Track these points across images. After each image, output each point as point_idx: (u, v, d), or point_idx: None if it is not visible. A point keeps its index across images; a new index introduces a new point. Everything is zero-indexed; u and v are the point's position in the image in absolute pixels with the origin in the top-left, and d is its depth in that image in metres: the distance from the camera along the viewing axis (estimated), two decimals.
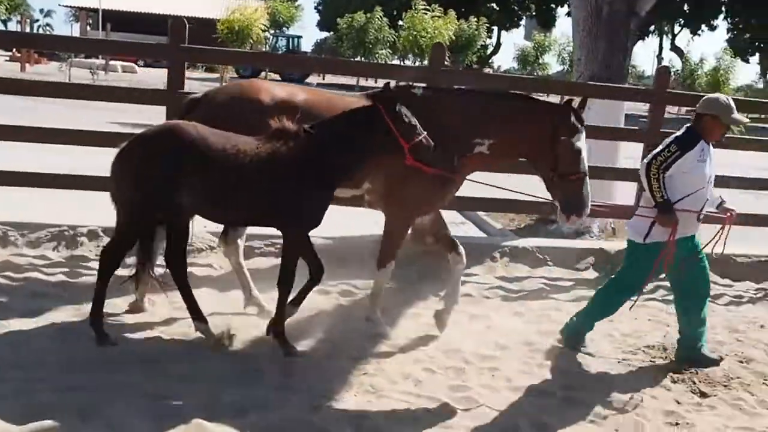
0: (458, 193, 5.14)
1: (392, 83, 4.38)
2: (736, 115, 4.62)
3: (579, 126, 4.43)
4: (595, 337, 5.11)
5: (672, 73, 11.72)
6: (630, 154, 8.76)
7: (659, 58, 57.85)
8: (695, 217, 4.62)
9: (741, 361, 5.07)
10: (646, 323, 5.71)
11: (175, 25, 6.12)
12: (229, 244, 5.13)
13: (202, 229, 5.92)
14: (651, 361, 4.98)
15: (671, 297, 5.16)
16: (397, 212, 4.86)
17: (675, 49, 51.98)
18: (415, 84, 5.19)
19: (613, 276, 5.16)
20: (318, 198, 4.23)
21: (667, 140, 4.64)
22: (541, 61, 45.55)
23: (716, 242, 4.67)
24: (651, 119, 7.56)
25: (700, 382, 4.68)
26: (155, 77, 28.66)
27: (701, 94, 5.76)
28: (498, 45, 54.00)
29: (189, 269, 4.62)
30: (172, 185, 4.05)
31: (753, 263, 7.31)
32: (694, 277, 4.77)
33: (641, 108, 25.29)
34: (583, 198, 4.48)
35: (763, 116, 21.28)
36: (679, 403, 4.40)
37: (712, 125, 4.59)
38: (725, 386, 4.67)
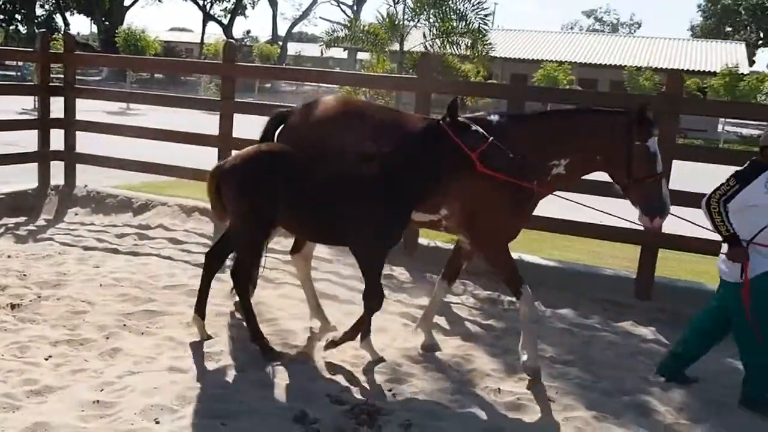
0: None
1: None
2: None
3: (651, 130, 4.41)
4: None
5: None
6: None
7: None
8: None
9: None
10: None
11: None
12: (299, 258, 5.22)
13: None
14: None
15: None
16: (489, 243, 4.74)
17: None
18: (489, 113, 4.91)
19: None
20: (395, 217, 4.34)
21: (729, 175, 4.46)
22: None
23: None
24: None
25: None
26: None
27: None
28: None
29: None
30: (271, 203, 4.33)
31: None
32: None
33: None
34: (663, 198, 4.46)
35: None
36: None
37: None
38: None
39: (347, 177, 4.35)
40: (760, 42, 67.30)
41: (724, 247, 4.49)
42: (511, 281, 4.70)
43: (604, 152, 4.51)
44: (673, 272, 7.00)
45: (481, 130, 4.15)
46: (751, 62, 53.04)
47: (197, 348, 4.74)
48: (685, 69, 36.09)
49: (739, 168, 4.48)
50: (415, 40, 13.11)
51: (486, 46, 12.73)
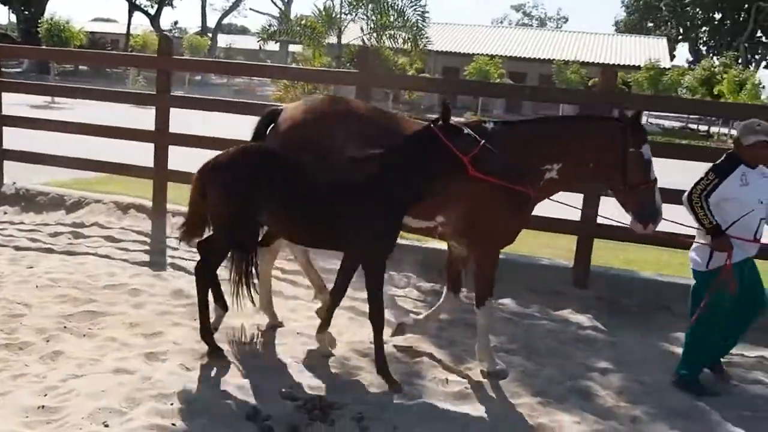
0: None
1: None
2: (757, 136, 4.47)
3: (644, 136, 4.42)
4: None
5: None
6: None
7: None
8: (750, 239, 4.55)
9: None
10: None
11: None
12: (265, 252, 5.12)
13: None
14: None
15: None
16: (484, 248, 4.72)
17: None
18: (485, 120, 4.88)
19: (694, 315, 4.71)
20: (388, 222, 4.28)
21: (707, 168, 4.59)
22: None
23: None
24: None
25: None
26: None
27: None
28: None
29: None
30: (253, 205, 4.25)
31: None
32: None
33: None
34: (656, 205, 4.44)
35: None
36: None
37: (751, 151, 4.51)
38: None
39: (336, 177, 4.26)
40: (680, 37, 69.96)
41: (699, 238, 4.68)
42: (483, 288, 4.74)
43: (598, 158, 4.48)
44: (606, 261, 7.25)
45: (472, 133, 4.12)
46: (672, 56, 55.14)
47: (142, 348, 4.66)
48: (611, 63, 37.23)
49: (718, 161, 4.65)
50: (353, 34, 13.16)
51: (424, 40, 12.94)
